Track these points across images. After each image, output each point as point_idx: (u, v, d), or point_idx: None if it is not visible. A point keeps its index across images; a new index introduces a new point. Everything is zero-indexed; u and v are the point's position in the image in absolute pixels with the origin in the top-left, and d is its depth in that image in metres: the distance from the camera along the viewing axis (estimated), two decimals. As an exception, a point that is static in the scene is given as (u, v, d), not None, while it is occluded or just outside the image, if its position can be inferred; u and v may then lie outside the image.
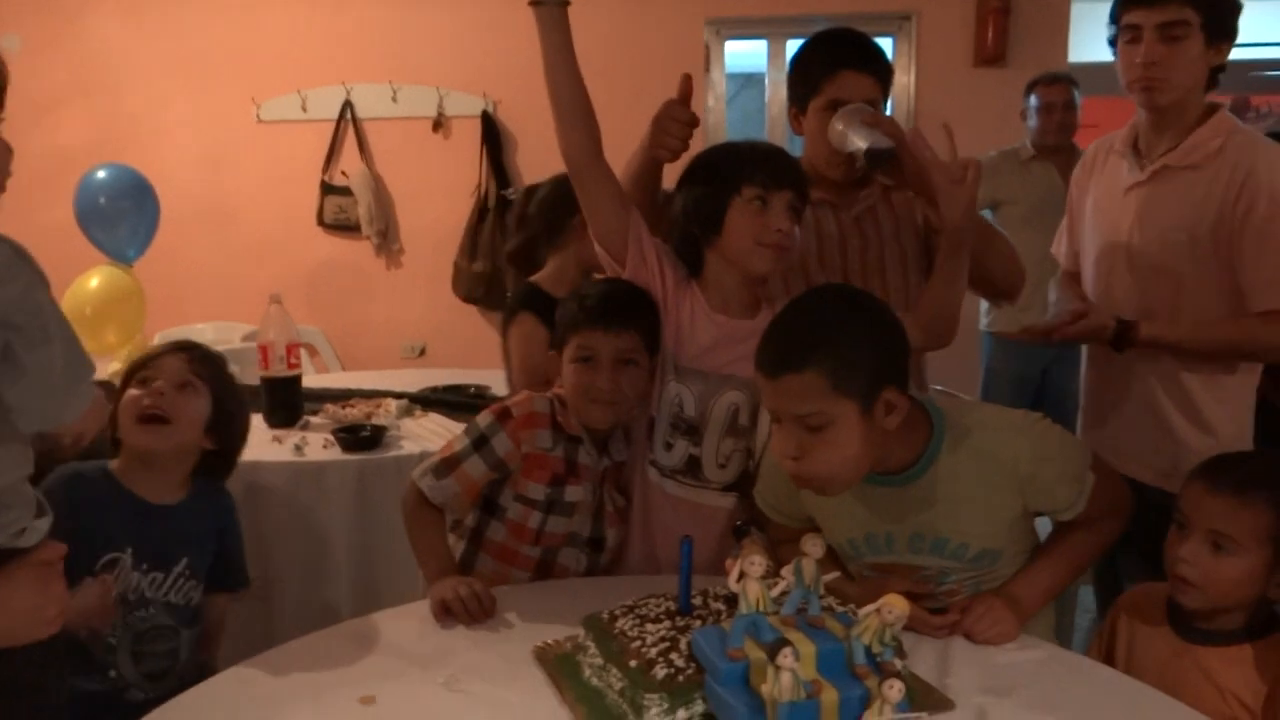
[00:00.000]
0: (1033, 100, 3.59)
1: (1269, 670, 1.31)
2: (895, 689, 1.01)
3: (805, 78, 1.89)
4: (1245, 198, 1.74)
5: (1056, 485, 1.41)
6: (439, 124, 4.57)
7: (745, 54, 4.88)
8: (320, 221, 4.63)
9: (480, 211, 4.52)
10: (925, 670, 1.28)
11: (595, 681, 1.24)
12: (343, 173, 4.61)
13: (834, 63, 1.86)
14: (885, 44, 4.48)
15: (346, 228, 4.62)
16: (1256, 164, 1.76)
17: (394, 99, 4.55)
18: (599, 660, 1.24)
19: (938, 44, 4.38)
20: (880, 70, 1.86)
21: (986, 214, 3.75)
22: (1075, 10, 4.33)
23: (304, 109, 4.59)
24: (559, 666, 1.30)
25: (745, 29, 4.53)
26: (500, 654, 1.36)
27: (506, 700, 1.24)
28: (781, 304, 1.74)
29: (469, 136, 4.55)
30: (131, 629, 1.67)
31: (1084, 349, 2.10)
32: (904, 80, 4.41)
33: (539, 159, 4.47)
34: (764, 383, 1.36)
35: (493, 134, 4.51)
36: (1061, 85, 3.55)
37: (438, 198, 4.58)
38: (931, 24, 4.37)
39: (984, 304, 3.00)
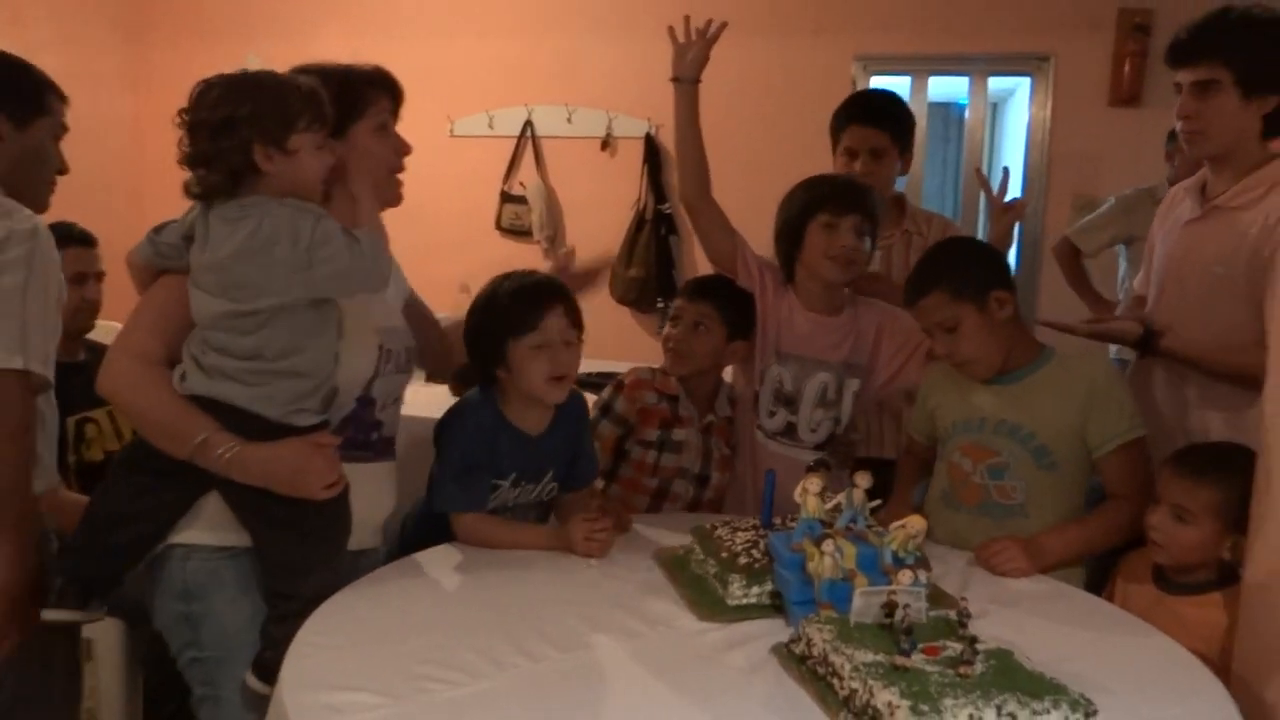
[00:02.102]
0: None
1: (1229, 611, 1.62)
2: (906, 576, 1.41)
3: (832, 130, 2.43)
4: (1275, 240, 1.83)
5: (1112, 411, 1.85)
6: (607, 143, 5.05)
7: (888, 87, 5.17)
8: (498, 225, 5.17)
9: (638, 223, 4.95)
10: (948, 586, 1.66)
11: (697, 571, 1.69)
12: (520, 183, 5.14)
13: (847, 117, 2.38)
14: (1023, 84, 4.76)
15: (520, 232, 5.14)
16: None
17: (569, 120, 5.07)
18: (700, 556, 1.69)
19: (1075, 84, 4.55)
20: (885, 122, 2.34)
21: (1120, 249, 3.90)
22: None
23: (490, 126, 5.17)
24: (672, 564, 1.75)
25: (891, 65, 4.80)
26: (632, 556, 1.81)
27: (639, 579, 1.70)
28: (861, 304, 2.20)
29: (633, 156, 5.00)
30: None
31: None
32: (1040, 117, 4.65)
33: (693, 178, 4.92)
34: (911, 311, 1.94)
35: (654, 154, 4.94)
36: None
37: (602, 209, 5.03)
38: (1069, 65, 4.55)
39: None
